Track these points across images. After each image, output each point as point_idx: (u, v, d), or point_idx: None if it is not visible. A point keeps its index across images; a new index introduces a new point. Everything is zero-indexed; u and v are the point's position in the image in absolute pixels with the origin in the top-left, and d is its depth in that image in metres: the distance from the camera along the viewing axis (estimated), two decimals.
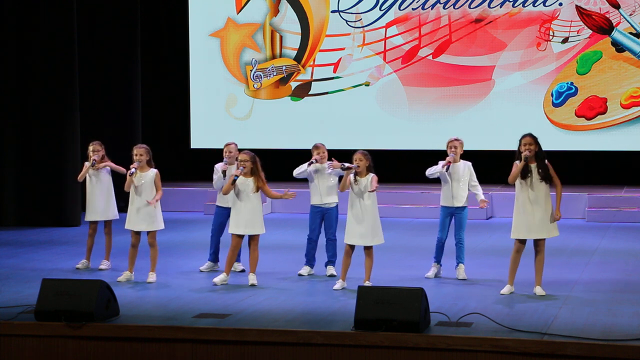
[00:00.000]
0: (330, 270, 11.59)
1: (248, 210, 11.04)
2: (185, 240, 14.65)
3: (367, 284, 10.58)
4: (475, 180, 11.57)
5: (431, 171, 11.51)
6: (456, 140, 11.54)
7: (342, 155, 11.44)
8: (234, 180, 10.98)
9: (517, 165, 10.38)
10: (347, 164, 10.83)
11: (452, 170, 11.42)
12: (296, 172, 11.71)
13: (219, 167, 11.84)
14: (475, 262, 12.41)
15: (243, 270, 11.74)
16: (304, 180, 11.85)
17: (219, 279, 11.09)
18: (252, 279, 11.07)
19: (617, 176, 18.51)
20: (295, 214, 16.91)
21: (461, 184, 11.46)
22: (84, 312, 9.05)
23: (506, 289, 10.46)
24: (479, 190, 11.54)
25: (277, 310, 9.78)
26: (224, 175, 11.69)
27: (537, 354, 8.25)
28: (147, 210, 11.35)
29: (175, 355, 8.89)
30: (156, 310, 9.75)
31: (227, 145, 12.00)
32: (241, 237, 11.12)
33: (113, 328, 9.05)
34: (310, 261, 11.78)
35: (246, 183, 11.03)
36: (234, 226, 11.11)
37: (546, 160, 10.40)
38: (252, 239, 11.12)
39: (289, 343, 8.71)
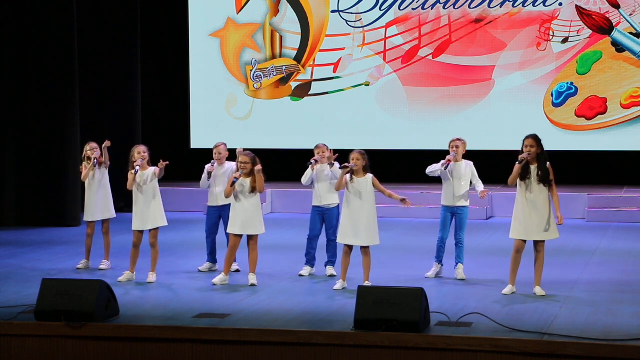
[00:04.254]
0: (330, 270, 11.59)
1: (245, 210, 11.03)
2: (185, 240, 14.65)
3: (367, 284, 10.57)
4: (477, 178, 11.59)
5: (431, 169, 11.53)
6: (458, 140, 11.55)
7: (342, 155, 11.43)
8: (233, 183, 10.98)
9: (517, 166, 10.39)
10: (344, 164, 10.83)
11: (453, 169, 11.43)
12: (304, 180, 11.67)
13: (207, 167, 11.89)
14: (475, 262, 12.41)
15: (237, 271, 11.73)
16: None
17: (218, 279, 11.09)
18: (252, 278, 11.07)
19: (617, 176, 18.51)
20: (295, 214, 16.91)
21: (462, 182, 11.47)
22: (84, 312, 9.05)
23: (507, 289, 10.45)
24: (480, 184, 11.55)
25: (277, 310, 9.77)
26: (209, 177, 11.74)
27: (537, 354, 8.24)
28: (151, 208, 11.36)
29: (175, 355, 8.89)
30: (156, 310, 9.74)
31: (216, 146, 12.02)
32: (239, 237, 11.12)
33: (113, 328, 9.05)
34: (310, 261, 11.77)
35: (243, 183, 11.03)
36: (232, 226, 11.12)
37: (548, 163, 10.39)
38: (251, 238, 11.11)
39: (289, 343, 8.71)
